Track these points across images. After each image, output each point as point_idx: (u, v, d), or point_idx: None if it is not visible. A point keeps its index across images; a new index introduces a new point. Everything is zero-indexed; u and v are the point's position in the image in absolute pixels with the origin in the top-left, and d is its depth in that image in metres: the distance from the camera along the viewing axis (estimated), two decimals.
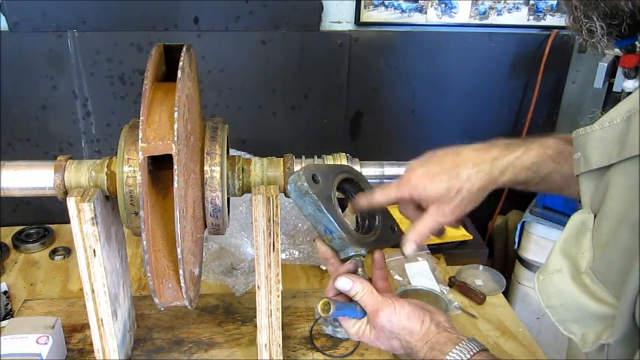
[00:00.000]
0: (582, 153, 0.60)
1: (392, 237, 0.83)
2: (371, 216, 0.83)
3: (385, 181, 0.93)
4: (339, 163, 0.92)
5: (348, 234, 0.74)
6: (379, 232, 0.82)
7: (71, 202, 0.80)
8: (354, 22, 1.48)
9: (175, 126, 0.72)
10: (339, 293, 0.75)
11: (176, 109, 0.73)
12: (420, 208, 0.77)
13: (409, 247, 0.76)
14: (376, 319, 0.72)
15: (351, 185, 0.85)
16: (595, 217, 0.60)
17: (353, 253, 0.75)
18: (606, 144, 0.57)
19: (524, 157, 0.72)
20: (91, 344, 0.92)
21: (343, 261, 0.76)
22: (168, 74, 0.86)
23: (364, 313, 0.74)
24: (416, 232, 0.76)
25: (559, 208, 1.50)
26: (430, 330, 0.71)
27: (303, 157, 0.92)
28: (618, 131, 0.56)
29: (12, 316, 1.15)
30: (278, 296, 0.91)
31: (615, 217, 0.56)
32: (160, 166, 0.78)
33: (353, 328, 0.75)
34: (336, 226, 0.73)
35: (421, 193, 0.74)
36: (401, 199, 0.77)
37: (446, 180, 0.72)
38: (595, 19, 0.57)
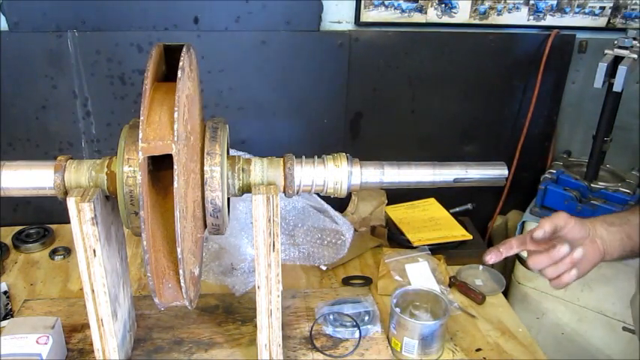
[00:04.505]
0: None
1: None
2: None
3: (385, 182, 0.93)
4: (338, 163, 0.91)
5: None
6: None
7: (71, 202, 0.80)
8: (354, 22, 1.48)
9: (175, 126, 0.72)
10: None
11: (176, 109, 0.73)
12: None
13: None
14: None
15: None
16: None
17: None
18: None
19: None
20: (91, 344, 0.92)
21: None
22: (168, 74, 0.86)
23: None
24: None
25: (559, 209, 1.50)
26: None
27: (304, 157, 0.92)
28: None
29: (12, 316, 1.15)
30: (278, 296, 0.91)
31: None
32: (160, 166, 0.78)
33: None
34: None
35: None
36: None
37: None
38: None
